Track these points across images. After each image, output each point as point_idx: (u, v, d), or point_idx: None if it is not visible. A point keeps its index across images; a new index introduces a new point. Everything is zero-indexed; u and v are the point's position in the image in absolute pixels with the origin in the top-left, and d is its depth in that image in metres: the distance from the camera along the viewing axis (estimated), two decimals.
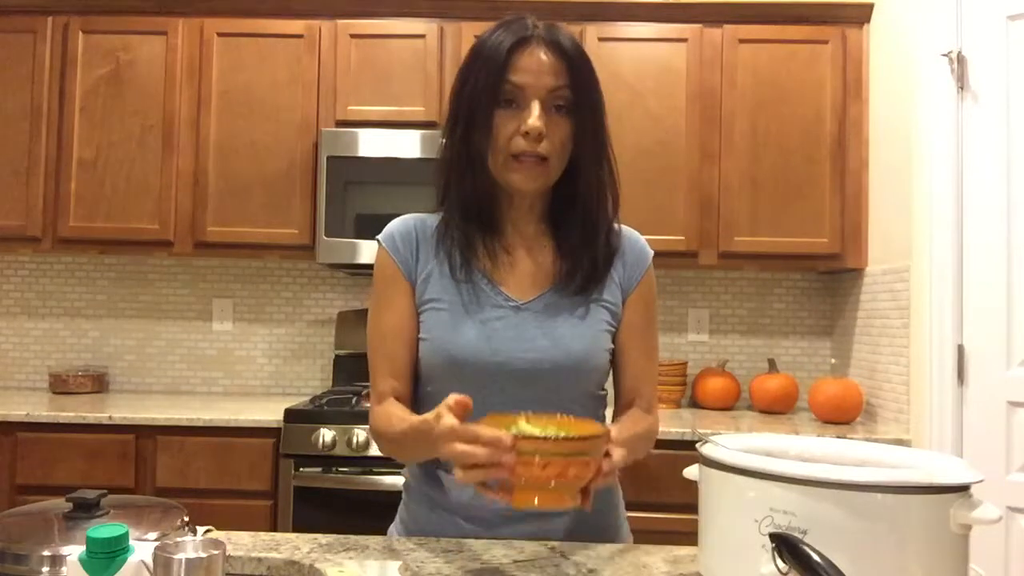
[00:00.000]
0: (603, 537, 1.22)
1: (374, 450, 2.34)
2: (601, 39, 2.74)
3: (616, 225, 1.26)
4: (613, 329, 1.23)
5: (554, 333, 1.17)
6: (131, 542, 0.80)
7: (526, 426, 0.96)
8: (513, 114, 1.14)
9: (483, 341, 1.16)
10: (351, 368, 2.95)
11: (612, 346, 1.23)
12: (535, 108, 1.12)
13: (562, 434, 0.90)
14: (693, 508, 0.98)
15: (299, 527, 2.32)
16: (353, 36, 2.76)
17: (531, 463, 0.86)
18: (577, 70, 1.14)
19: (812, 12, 2.74)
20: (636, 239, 1.28)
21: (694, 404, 2.98)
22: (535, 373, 1.15)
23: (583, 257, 1.20)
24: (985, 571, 2.11)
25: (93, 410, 2.47)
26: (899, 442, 2.34)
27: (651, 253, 1.28)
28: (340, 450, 2.34)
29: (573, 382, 1.18)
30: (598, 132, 1.17)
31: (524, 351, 1.16)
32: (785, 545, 0.81)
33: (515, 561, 1.06)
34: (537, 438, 0.88)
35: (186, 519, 0.98)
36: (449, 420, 0.93)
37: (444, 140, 1.25)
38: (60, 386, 2.89)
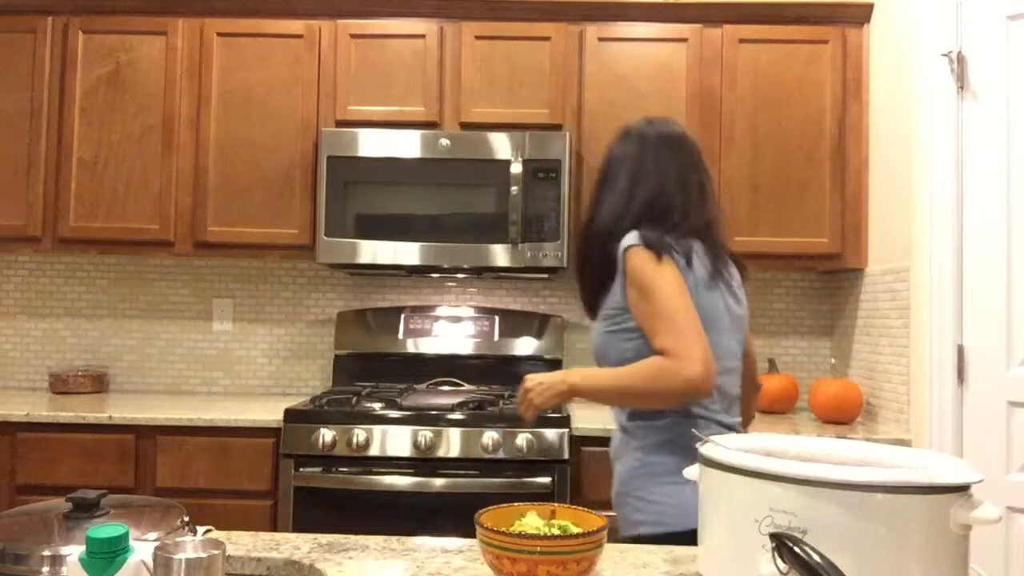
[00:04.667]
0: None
1: (374, 450, 2.34)
2: (601, 39, 2.74)
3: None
4: (618, 327, 1.57)
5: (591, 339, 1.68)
6: (131, 542, 0.80)
7: (522, 520, 1.01)
8: None
9: None
10: (351, 368, 2.95)
11: (631, 336, 1.55)
12: None
13: (518, 531, 0.95)
14: None
15: (299, 527, 2.32)
16: (353, 36, 2.76)
17: (503, 557, 0.92)
18: None
19: (812, 12, 2.74)
20: (620, 245, 1.57)
21: None
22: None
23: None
24: (985, 571, 2.11)
25: (93, 410, 2.47)
26: (899, 442, 2.34)
27: (623, 248, 1.56)
28: (340, 450, 2.34)
29: None
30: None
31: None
32: (785, 545, 0.81)
33: None
34: (504, 534, 0.92)
35: (186, 519, 0.98)
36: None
37: None
38: (60, 386, 2.89)
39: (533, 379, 1.58)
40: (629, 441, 1.61)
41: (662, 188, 1.63)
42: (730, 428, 1.59)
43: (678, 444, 1.53)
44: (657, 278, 1.52)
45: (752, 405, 1.81)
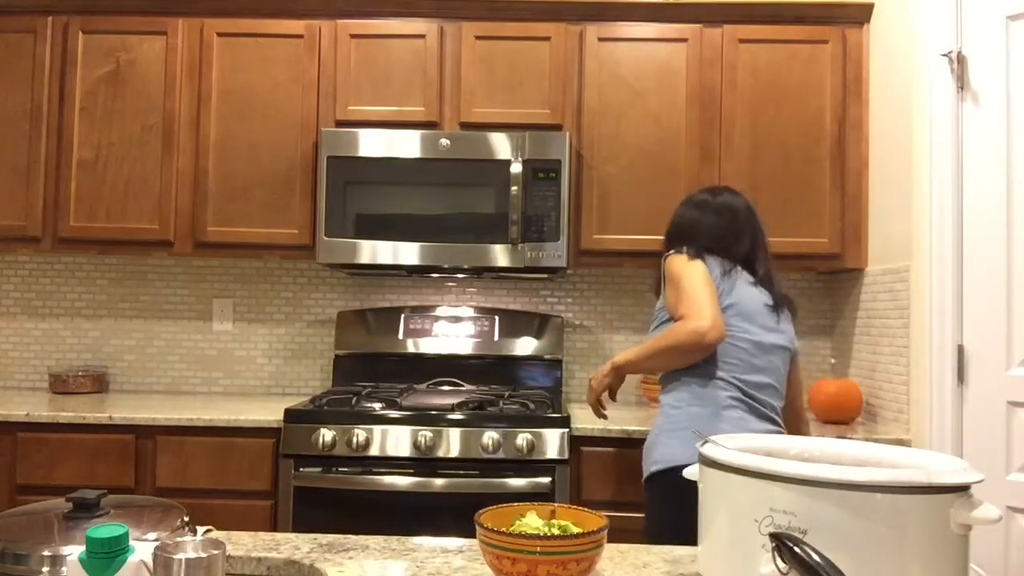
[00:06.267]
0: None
1: (374, 450, 2.34)
2: (601, 39, 2.74)
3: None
4: (658, 321, 1.95)
5: None
6: (131, 542, 0.80)
7: (522, 520, 1.01)
8: None
9: None
10: (351, 368, 2.95)
11: (667, 327, 1.88)
12: None
13: (516, 531, 0.95)
14: None
15: (299, 527, 2.32)
16: (353, 36, 2.76)
17: (503, 557, 0.92)
18: None
19: (812, 12, 2.74)
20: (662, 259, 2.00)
21: None
22: None
23: None
24: (985, 571, 2.11)
25: (93, 410, 2.47)
26: (899, 442, 2.34)
27: (663, 258, 1.97)
28: (340, 450, 2.34)
29: None
30: None
31: None
32: (785, 545, 0.81)
33: None
34: (504, 534, 0.92)
35: (186, 519, 0.98)
36: None
37: None
38: (60, 386, 2.89)
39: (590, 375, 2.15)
40: (660, 406, 1.90)
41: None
42: (750, 391, 1.84)
43: (694, 402, 1.82)
44: (686, 271, 1.86)
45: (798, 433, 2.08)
